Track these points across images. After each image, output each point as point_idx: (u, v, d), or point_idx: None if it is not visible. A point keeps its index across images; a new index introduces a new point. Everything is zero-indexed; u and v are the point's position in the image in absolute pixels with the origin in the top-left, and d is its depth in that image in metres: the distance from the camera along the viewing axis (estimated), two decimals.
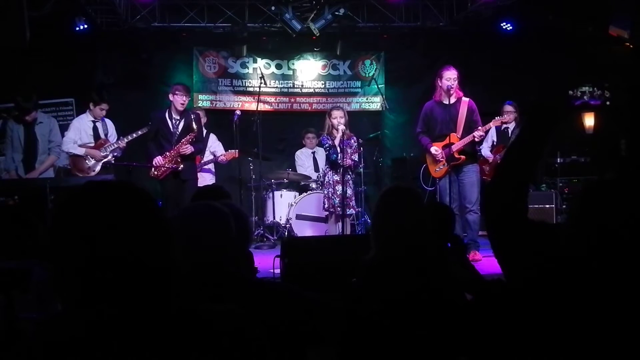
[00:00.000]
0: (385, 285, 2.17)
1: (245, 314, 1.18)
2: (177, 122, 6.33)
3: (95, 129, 6.75)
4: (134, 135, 6.58)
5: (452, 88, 5.97)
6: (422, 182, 7.81)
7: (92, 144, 6.66)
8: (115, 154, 6.72)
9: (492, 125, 6.35)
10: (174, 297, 1.12)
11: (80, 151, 6.55)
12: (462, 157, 5.99)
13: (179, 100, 6.28)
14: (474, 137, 5.96)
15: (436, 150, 6.06)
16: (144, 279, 1.08)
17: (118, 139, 6.71)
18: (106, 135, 6.78)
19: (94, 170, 6.58)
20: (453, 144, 5.93)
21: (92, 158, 6.56)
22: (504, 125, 7.33)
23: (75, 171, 6.53)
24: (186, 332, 1.09)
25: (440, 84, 6.05)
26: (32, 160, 6.30)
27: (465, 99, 6.10)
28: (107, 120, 6.86)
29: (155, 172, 6.23)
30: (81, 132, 6.62)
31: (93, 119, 6.74)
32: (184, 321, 1.10)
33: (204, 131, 7.54)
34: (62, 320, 1.09)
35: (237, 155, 7.41)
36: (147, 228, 1.11)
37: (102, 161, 6.62)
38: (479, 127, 5.99)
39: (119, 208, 1.10)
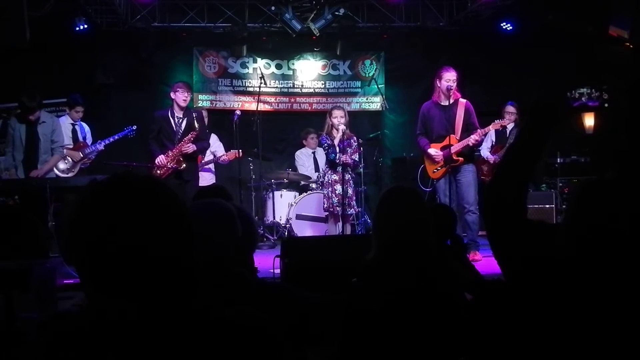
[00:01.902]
0: (385, 285, 2.17)
1: (264, 316, 1.17)
2: (180, 121, 6.33)
3: (74, 131, 7.10)
4: (111, 139, 6.93)
5: (451, 89, 5.97)
6: (420, 183, 7.81)
7: (71, 146, 6.94)
8: (91, 156, 7.02)
9: (492, 128, 6.35)
10: (195, 297, 1.11)
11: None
12: (460, 159, 5.99)
13: (180, 96, 6.28)
14: (469, 141, 5.96)
15: (435, 152, 6.06)
16: (169, 274, 1.07)
17: (96, 142, 7.02)
18: (84, 138, 7.11)
19: (72, 171, 6.86)
20: (451, 145, 5.93)
21: (71, 159, 6.75)
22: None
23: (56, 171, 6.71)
24: (204, 332, 1.08)
25: (439, 85, 6.05)
26: (33, 160, 6.32)
27: (463, 101, 6.10)
28: (84, 124, 7.22)
29: (158, 172, 6.24)
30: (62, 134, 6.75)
31: (72, 122, 7.09)
32: (203, 321, 1.09)
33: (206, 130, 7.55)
34: (79, 314, 1.09)
35: (239, 156, 7.42)
36: (172, 223, 1.09)
37: (80, 163, 6.91)
38: (476, 131, 5.99)
39: (143, 202, 1.08)
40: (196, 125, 6.26)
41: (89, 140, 7.15)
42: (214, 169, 7.84)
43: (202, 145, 6.55)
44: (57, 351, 1.04)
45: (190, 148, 6.23)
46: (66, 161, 6.79)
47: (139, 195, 1.09)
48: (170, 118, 6.32)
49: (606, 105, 1.63)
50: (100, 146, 6.94)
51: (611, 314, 1.29)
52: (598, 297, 1.31)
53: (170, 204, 1.11)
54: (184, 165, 6.24)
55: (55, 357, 1.04)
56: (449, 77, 5.97)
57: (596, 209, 1.35)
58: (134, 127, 6.90)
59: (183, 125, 6.31)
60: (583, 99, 1.62)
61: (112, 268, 1.04)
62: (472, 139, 5.95)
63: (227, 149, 7.77)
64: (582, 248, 1.35)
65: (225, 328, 1.10)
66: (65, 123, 6.99)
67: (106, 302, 1.05)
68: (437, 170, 6.15)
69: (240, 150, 7.37)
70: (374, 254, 2.30)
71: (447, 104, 6.01)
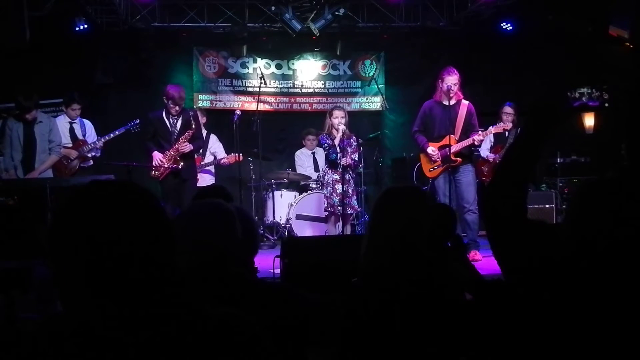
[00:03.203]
0: (384, 285, 2.17)
1: (252, 318, 1.18)
2: (175, 121, 6.32)
3: (72, 129, 6.98)
4: (112, 135, 6.83)
5: (452, 90, 5.99)
6: (415, 182, 7.81)
7: (70, 145, 6.85)
8: (93, 153, 6.93)
9: (494, 131, 6.36)
10: (177, 297, 1.12)
11: None
12: (459, 159, 6.00)
13: (172, 108, 6.25)
14: (473, 140, 5.97)
15: (433, 151, 6.08)
16: (148, 278, 1.08)
17: (96, 139, 6.92)
18: (84, 135, 6.99)
19: (72, 171, 6.72)
20: (451, 145, 5.94)
21: (68, 158, 6.68)
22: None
23: (55, 172, 6.62)
24: (191, 333, 1.09)
25: (440, 86, 6.08)
26: (31, 160, 6.32)
27: (465, 102, 6.12)
28: (86, 121, 7.09)
29: (156, 173, 6.24)
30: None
31: (70, 120, 6.97)
32: (188, 322, 1.10)
33: (205, 131, 7.54)
34: (64, 318, 1.10)
35: (239, 159, 7.41)
36: (151, 227, 1.11)
37: (79, 161, 6.81)
38: (479, 132, 6.01)
39: (123, 207, 1.10)
40: (193, 124, 6.25)
41: (93, 137, 7.01)
42: (213, 170, 7.83)
43: (198, 144, 6.56)
44: (53, 351, 1.04)
45: (187, 147, 6.24)
46: (65, 160, 6.74)
47: (116, 204, 1.10)
48: (165, 119, 6.32)
49: (606, 105, 1.63)
50: (100, 143, 6.83)
51: (611, 315, 1.29)
52: (598, 296, 1.31)
53: (148, 211, 1.13)
54: (182, 164, 6.24)
55: (52, 357, 1.04)
56: (450, 81, 5.99)
57: (599, 210, 1.35)
58: (137, 121, 6.79)
59: (178, 125, 6.31)
60: (583, 98, 1.62)
61: (104, 270, 1.05)
62: (476, 138, 5.96)
63: (227, 149, 7.76)
64: (583, 249, 1.35)
65: (214, 327, 1.11)
66: (62, 122, 6.90)
67: (98, 303, 1.06)
68: (434, 169, 6.16)
69: (240, 154, 7.36)
70: (367, 255, 2.29)
71: (449, 103, 6.03)
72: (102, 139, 6.84)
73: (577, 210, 1.40)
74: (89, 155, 6.89)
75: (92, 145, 6.85)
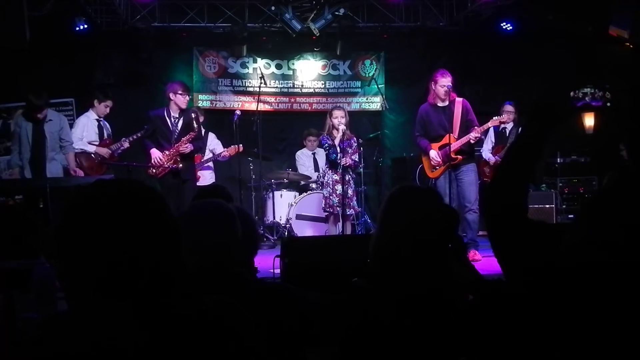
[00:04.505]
0: (386, 285, 2.17)
1: (243, 310, 1.18)
2: (176, 121, 6.31)
3: (100, 127, 6.96)
4: (135, 136, 6.73)
5: (448, 92, 6.02)
6: (417, 182, 7.81)
7: (98, 142, 6.79)
8: (117, 153, 6.87)
9: (490, 125, 6.37)
10: (182, 296, 1.12)
11: (91, 148, 6.65)
12: (459, 157, 6.01)
13: (182, 100, 6.26)
14: (469, 138, 5.98)
15: (434, 155, 6.08)
16: (153, 277, 1.08)
17: (122, 139, 6.82)
18: (108, 135, 6.93)
19: (101, 169, 6.70)
20: (450, 144, 5.95)
21: (99, 156, 6.66)
22: (502, 126, 7.35)
23: (85, 169, 6.60)
24: (189, 328, 1.09)
25: (434, 88, 6.11)
26: (40, 159, 6.31)
27: (459, 100, 6.15)
28: (106, 122, 7.06)
29: (154, 171, 6.22)
30: (88, 130, 6.69)
31: (98, 117, 6.90)
32: (189, 322, 1.10)
33: (203, 130, 7.55)
34: (64, 318, 1.10)
35: (239, 150, 7.40)
36: (157, 227, 1.11)
37: (107, 160, 6.77)
38: (475, 128, 6.02)
39: (130, 207, 1.10)
40: (195, 125, 6.25)
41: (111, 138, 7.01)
42: (213, 167, 7.83)
43: (198, 144, 6.55)
44: (54, 351, 1.04)
45: (188, 148, 6.23)
46: (96, 157, 6.71)
47: (124, 204, 1.11)
48: (167, 118, 6.29)
49: (608, 104, 1.63)
50: (126, 143, 6.76)
51: (611, 315, 1.29)
52: (599, 298, 1.31)
53: (155, 211, 1.13)
54: (181, 164, 6.23)
55: (52, 357, 1.04)
56: (444, 83, 6.03)
57: (600, 211, 1.34)
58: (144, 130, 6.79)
59: (180, 124, 6.30)
60: (587, 98, 1.61)
61: (107, 270, 1.05)
62: (472, 135, 5.98)
63: (227, 147, 7.75)
64: (584, 249, 1.35)
65: (214, 327, 1.12)
66: (91, 119, 6.87)
67: (100, 302, 1.06)
68: (435, 169, 6.17)
69: (240, 145, 7.34)
70: (374, 254, 2.28)
71: (443, 104, 6.07)
72: (127, 140, 6.76)
73: (598, 213, 1.39)
74: (116, 154, 6.85)
75: (119, 145, 6.79)
